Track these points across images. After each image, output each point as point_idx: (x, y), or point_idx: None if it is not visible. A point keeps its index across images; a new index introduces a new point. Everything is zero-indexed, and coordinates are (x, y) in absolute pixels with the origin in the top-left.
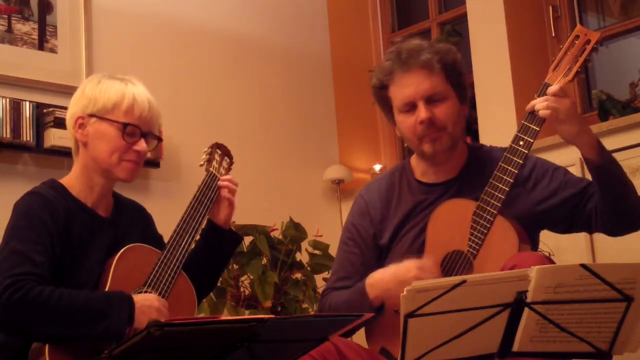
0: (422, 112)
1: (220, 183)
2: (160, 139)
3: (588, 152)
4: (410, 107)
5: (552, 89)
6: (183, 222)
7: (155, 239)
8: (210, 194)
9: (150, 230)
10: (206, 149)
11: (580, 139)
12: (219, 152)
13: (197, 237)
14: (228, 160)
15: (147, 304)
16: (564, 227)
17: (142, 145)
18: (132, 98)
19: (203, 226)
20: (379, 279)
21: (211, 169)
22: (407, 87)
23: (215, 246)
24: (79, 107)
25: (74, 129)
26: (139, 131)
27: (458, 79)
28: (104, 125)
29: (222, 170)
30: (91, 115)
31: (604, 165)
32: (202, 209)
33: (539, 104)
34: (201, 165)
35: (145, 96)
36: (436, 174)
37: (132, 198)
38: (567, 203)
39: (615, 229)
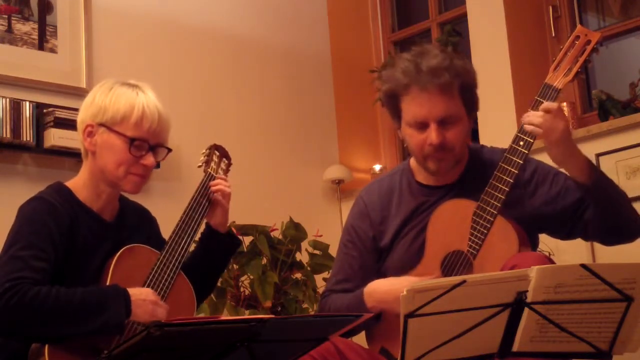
0: (433, 136)
1: (212, 188)
2: (169, 149)
3: (577, 175)
4: (421, 125)
5: (547, 106)
6: (182, 223)
7: (159, 243)
8: (208, 195)
9: (155, 233)
10: (204, 150)
11: (569, 163)
12: (217, 153)
13: (196, 237)
14: (226, 161)
15: (142, 297)
16: (563, 233)
17: (149, 159)
18: (141, 110)
19: (202, 227)
20: (377, 290)
21: (209, 170)
22: (422, 106)
23: (212, 249)
24: (89, 115)
25: (82, 136)
26: (147, 145)
27: (471, 98)
28: (112, 136)
29: (220, 172)
30: (100, 125)
31: (592, 188)
32: (200, 209)
33: (535, 119)
34: (199, 167)
35: (155, 107)
36: (437, 177)
37: (132, 198)
38: (566, 210)
39: (608, 241)
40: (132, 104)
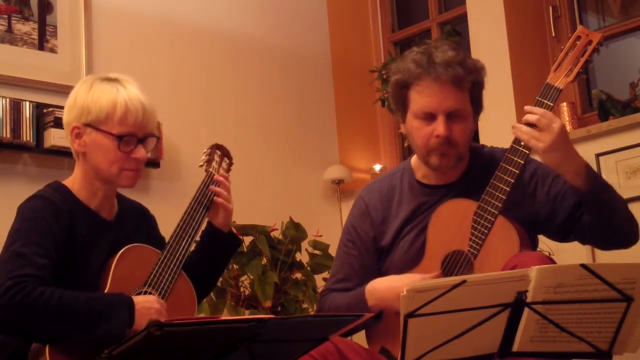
0: (441, 128)
1: (211, 189)
2: (158, 137)
3: (574, 179)
4: (429, 116)
5: (530, 118)
6: (183, 223)
7: (157, 241)
8: (209, 195)
9: (153, 232)
10: (206, 150)
11: (563, 168)
12: (219, 152)
13: (197, 237)
14: (227, 161)
15: (147, 305)
16: (560, 236)
17: (140, 152)
18: (124, 106)
19: (203, 226)
20: (378, 288)
21: (210, 169)
22: (432, 97)
23: (214, 248)
24: (73, 116)
25: (70, 137)
26: (135, 139)
27: (478, 97)
28: (100, 136)
29: (222, 171)
30: (86, 125)
31: (590, 194)
32: (201, 209)
33: (524, 134)
34: (200, 166)
35: (137, 100)
36: (438, 176)
37: (132, 198)
38: (564, 212)
39: (604, 246)
40: (114, 100)
